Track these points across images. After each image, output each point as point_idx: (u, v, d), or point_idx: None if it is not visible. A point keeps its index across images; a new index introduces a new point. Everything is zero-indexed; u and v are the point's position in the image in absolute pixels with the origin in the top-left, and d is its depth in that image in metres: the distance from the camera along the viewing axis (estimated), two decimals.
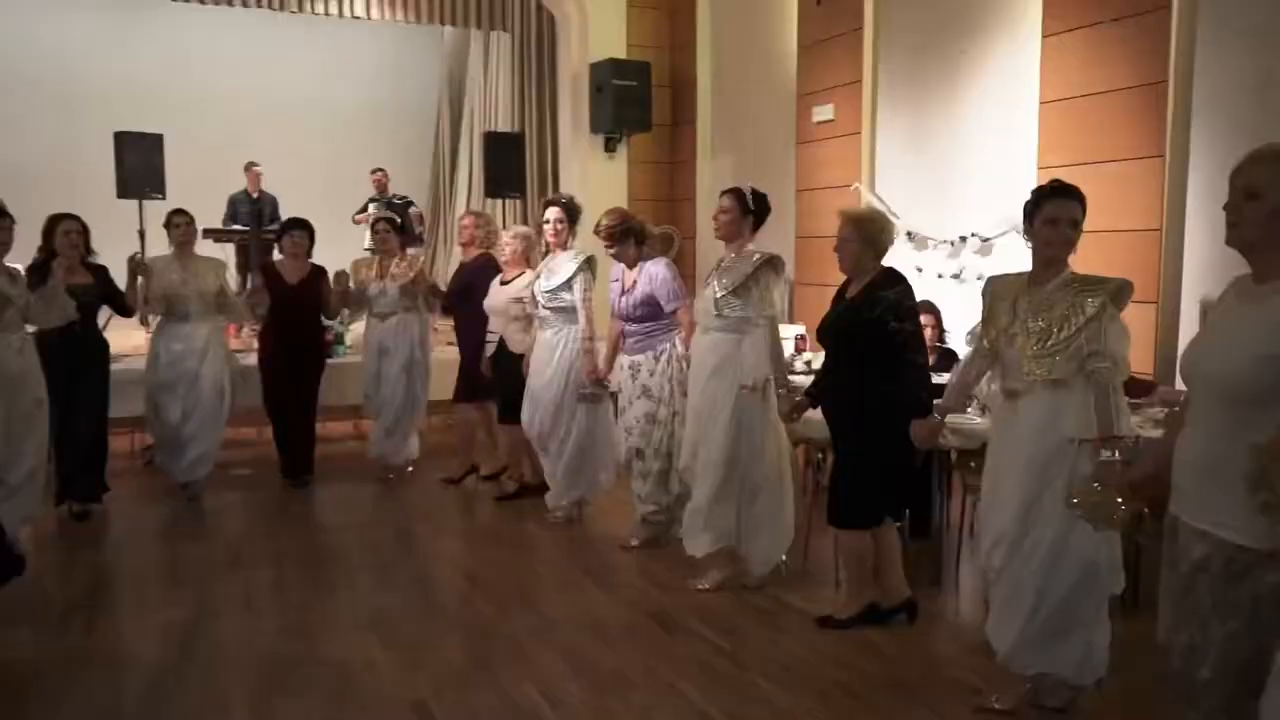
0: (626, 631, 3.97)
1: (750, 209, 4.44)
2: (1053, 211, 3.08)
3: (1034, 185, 3.33)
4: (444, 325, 7.40)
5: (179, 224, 6.00)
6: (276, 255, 7.42)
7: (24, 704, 3.38)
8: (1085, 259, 3.28)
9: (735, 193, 4.46)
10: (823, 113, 7.98)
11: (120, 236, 6.34)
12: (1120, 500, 2.59)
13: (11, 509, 4.37)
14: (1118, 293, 3.03)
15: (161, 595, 4.45)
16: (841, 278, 4.06)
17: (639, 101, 9.68)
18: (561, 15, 10.23)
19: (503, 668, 3.62)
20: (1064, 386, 3.00)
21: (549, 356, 5.36)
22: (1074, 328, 2.99)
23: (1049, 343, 3.03)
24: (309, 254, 6.37)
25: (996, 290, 3.28)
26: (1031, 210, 3.16)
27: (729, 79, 9.54)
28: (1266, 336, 2.07)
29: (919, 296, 4.09)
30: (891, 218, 4.72)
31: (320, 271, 6.37)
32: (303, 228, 6.38)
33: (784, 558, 4.54)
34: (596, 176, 9.96)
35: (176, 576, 4.74)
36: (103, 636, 3.99)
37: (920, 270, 6.65)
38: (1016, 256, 5.34)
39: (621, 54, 9.89)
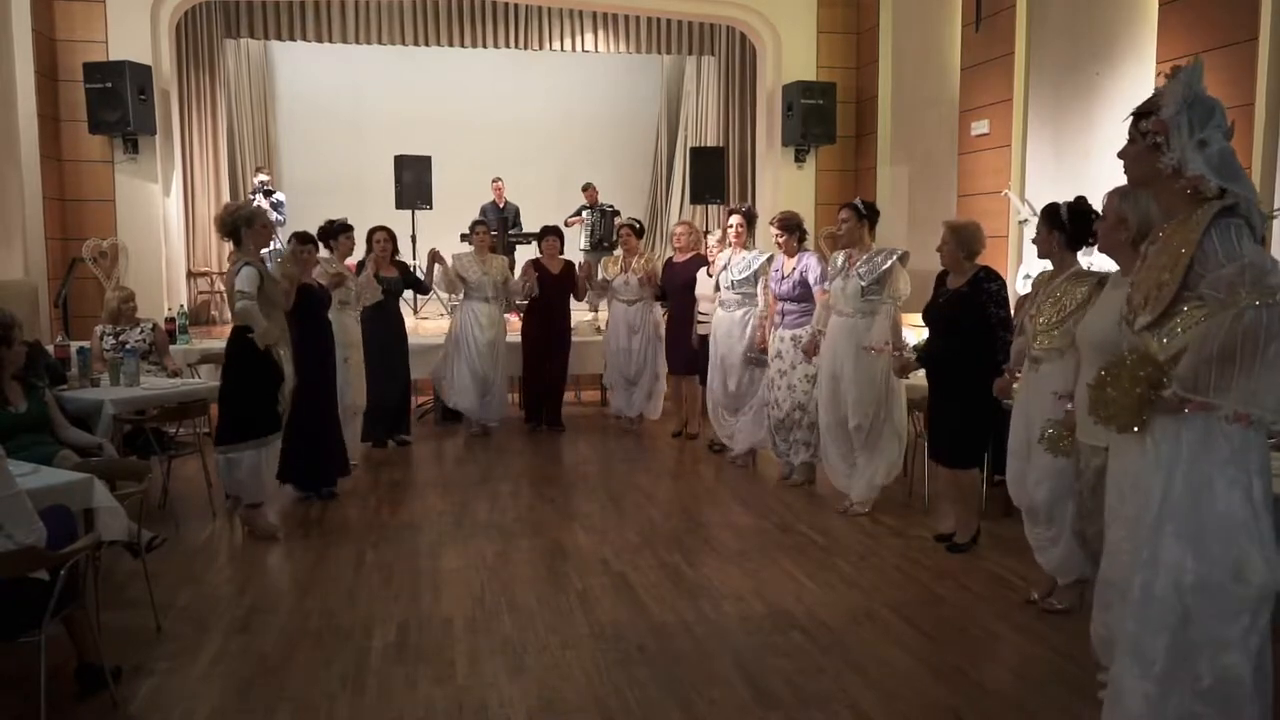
0: (754, 531, 5.40)
1: (865, 215, 5.69)
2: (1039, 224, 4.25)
3: None
4: None
5: (480, 232, 7.88)
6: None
7: (357, 542, 5.18)
8: None
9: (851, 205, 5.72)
10: (980, 127, 9.01)
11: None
12: (1067, 439, 3.65)
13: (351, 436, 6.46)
14: (1099, 284, 4.13)
15: (440, 492, 6.26)
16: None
17: (825, 118, 10.95)
18: (760, 42, 11.63)
19: (660, 544, 5.15)
20: (1068, 354, 4.05)
21: (739, 332, 6.75)
22: (1067, 311, 4.07)
23: (1051, 321, 4.17)
24: (561, 251, 8.10)
25: (1034, 284, 4.42)
26: None
27: (904, 96, 10.63)
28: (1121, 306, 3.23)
29: None
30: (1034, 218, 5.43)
31: (572, 265, 8.08)
32: (557, 234, 8.13)
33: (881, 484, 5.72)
34: (787, 184, 11.30)
35: (452, 484, 6.52)
36: (406, 510, 5.86)
37: None
38: None
39: (812, 75, 11.17)
